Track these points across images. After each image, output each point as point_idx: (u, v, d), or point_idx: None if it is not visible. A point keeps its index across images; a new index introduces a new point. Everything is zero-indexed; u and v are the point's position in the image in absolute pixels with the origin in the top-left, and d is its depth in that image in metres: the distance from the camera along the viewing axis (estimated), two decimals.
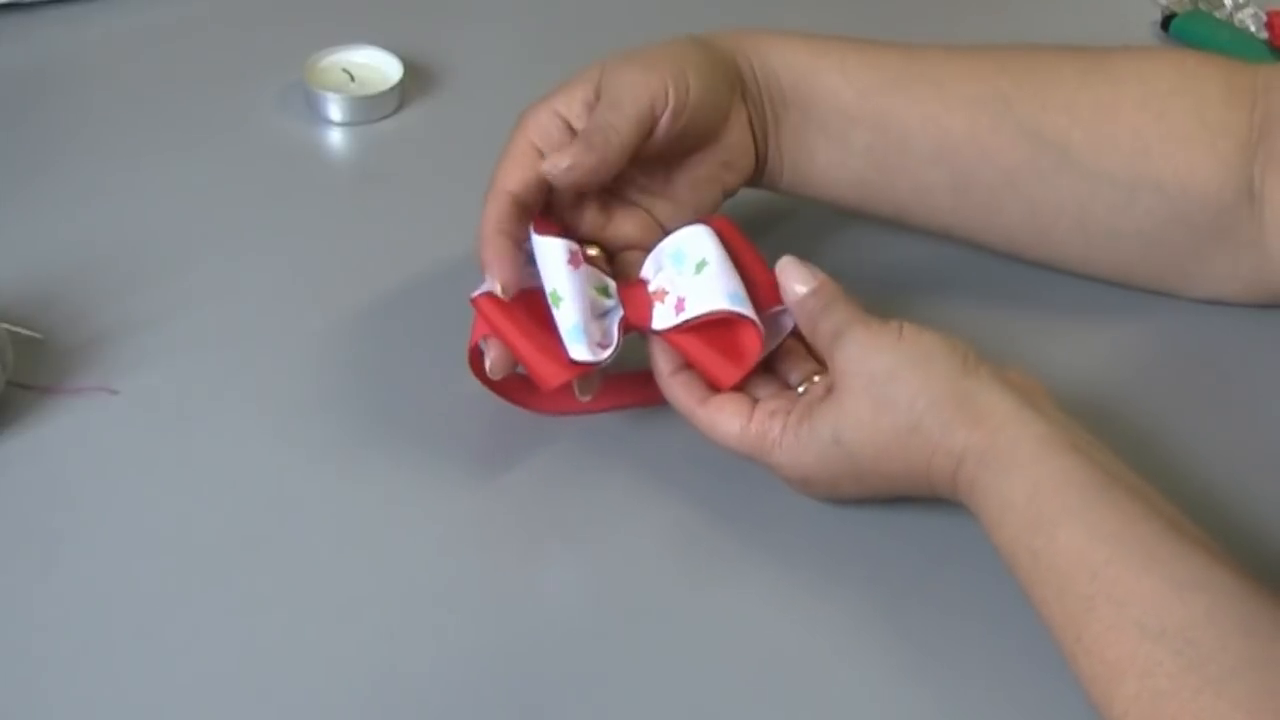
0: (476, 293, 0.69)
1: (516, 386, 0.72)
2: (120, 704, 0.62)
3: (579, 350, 0.67)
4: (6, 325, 0.74)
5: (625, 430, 0.74)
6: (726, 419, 0.68)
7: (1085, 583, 0.58)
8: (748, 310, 0.68)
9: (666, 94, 0.71)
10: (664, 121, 0.71)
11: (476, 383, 0.71)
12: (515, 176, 0.71)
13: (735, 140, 0.75)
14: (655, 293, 0.70)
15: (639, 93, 0.71)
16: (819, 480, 0.67)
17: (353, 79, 0.95)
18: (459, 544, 0.69)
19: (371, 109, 0.93)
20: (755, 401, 0.69)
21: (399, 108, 0.94)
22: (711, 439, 0.69)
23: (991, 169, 0.77)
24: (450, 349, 0.73)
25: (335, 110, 0.92)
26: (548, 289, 0.68)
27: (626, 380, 0.74)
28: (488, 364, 0.69)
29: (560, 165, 0.69)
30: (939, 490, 0.65)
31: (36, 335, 0.75)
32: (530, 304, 0.69)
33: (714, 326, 0.68)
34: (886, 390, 0.65)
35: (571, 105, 0.72)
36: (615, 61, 0.72)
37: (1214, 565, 0.58)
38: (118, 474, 0.71)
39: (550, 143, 0.71)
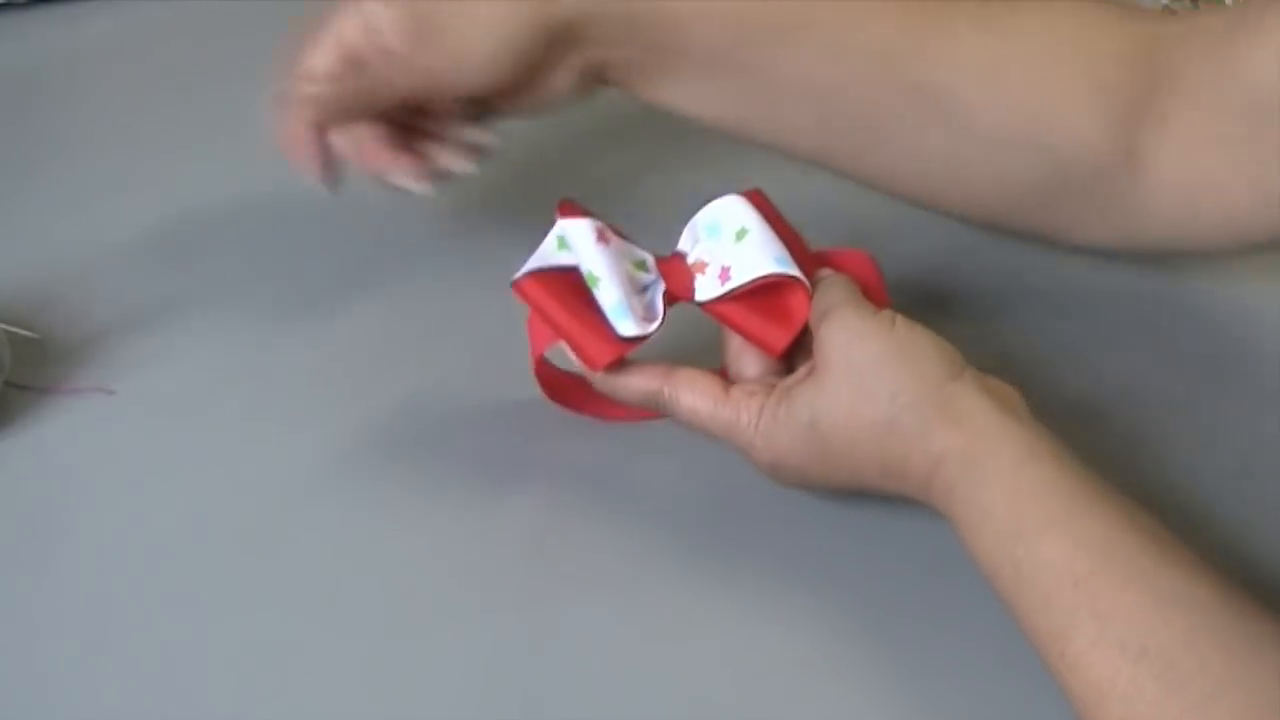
0: (518, 275, 0.68)
1: (579, 395, 0.72)
2: (119, 704, 0.62)
3: (626, 326, 0.67)
4: (4, 325, 0.73)
5: (612, 444, 0.73)
6: (698, 396, 0.67)
7: (1069, 594, 0.57)
8: (795, 271, 0.67)
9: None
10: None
11: (481, 383, 0.71)
12: None
13: (557, 87, 0.75)
14: (695, 265, 0.69)
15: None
16: (788, 464, 0.66)
17: None
18: (458, 547, 0.69)
19: None
20: (729, 384, 0.67)
21: None
22: (678, 416, 0.68)
23: (865, 118, 0.75)
24: (453, 347, 0.73)
25: None
26: (584, 270, 0.68)
27: None
28: None
29: None
30: (910, 490, 0.64)
31: (34, 335, 0.75)
32: (574, 283, 0.68)
33: (758, 294, 0.67)
34: (868, 380, 0.64)
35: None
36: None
37: (1194, 579, 0.57)
38: (115, 474, 0.71)
39: None
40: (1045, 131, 0.73)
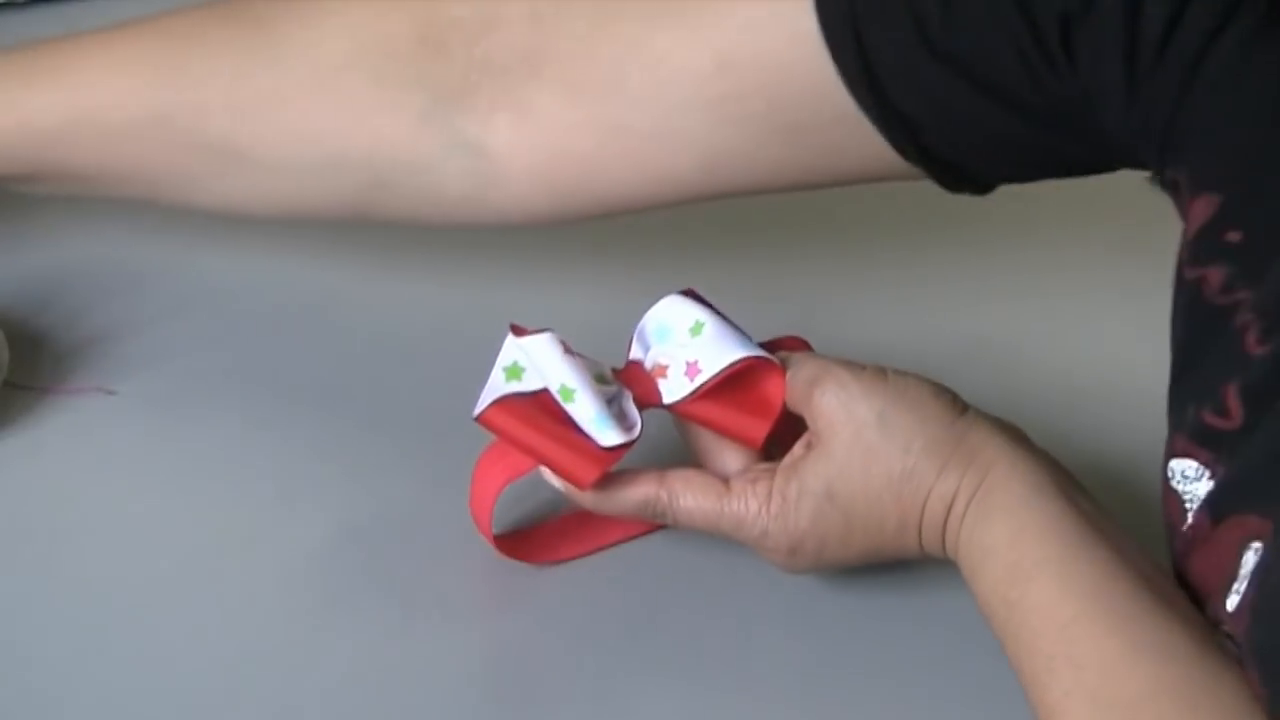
0: (479, 409, 0.64)
1: (524, 546, 0.69)
2: (117, 703, 0.62)
3: (609, 436, 0.64)
4: (3, 326, 0.73)
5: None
6: (699, 495, 0.65)
7: (1051, 640, 0.57)
8: (764, 353, 0.65)
9: None
10: None
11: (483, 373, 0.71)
12: None
13: None
14: (655, 370, 0.66)
15: None
16: (807, 546, 0.64)
17: None
18: (459, 548, 0.69)
19: None
20: (725, 479, 0.65)
21: None
22: (678, 519, 0.65)
23: (175, 182, 0.74)
24: (453, 342, 0.73)
25: None
26: (555, 386, 0.64)
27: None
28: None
29: None
30: (927, 542, 0.63)
31: (33, 336, 0.75)
32: (542, 404, 0.65)
33: (729, 387, 0.65)
34: (877, 436, 0.62)
35: None
36: None
37: (1177, 629, 0.56)
38: (115, 474, 0.71)
39: None
40: (349, 148, 0.71)
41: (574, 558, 0.69)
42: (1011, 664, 0.59)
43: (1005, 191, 0.69)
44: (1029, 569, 0.59)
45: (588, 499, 0.65)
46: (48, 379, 0.74)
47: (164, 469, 0.71)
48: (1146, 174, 0.63)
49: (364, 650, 0.64)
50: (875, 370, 0.64)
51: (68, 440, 0.72)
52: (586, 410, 0.64)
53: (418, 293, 0.82)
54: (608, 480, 0.65)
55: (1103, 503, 0.62)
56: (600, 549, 0.70)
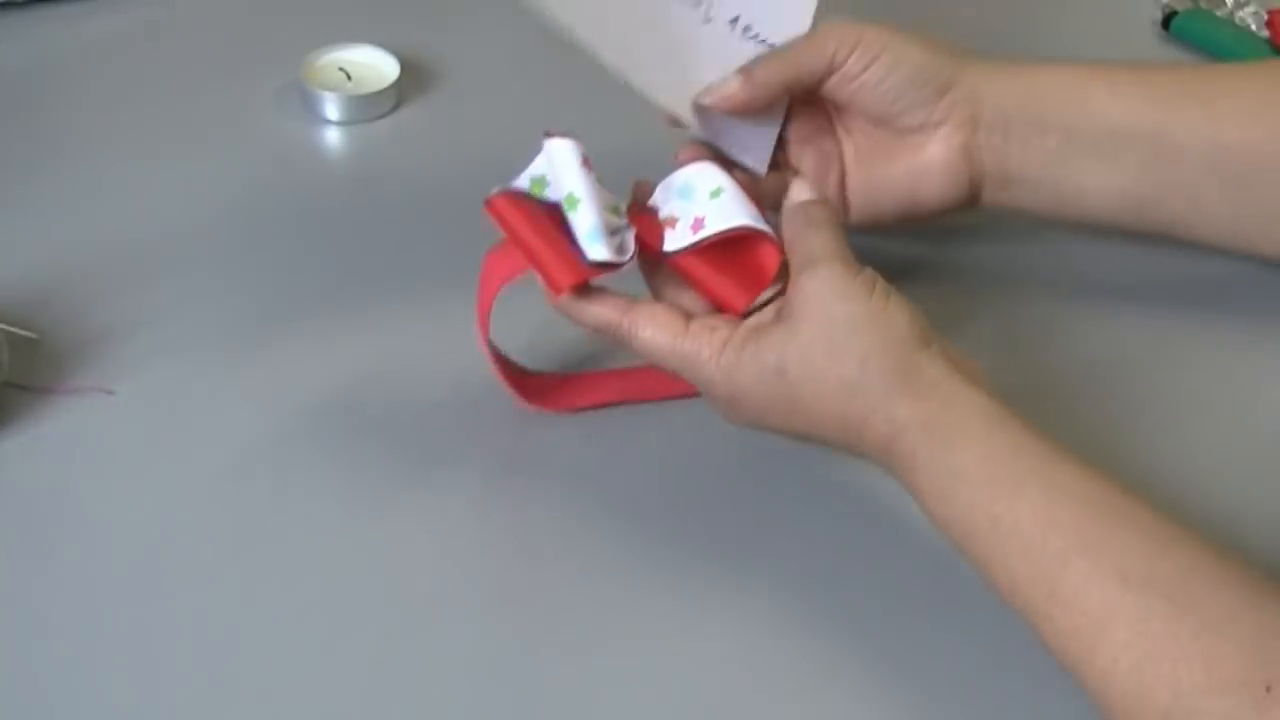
0: (492, 193, 0.67)
1: (523, 380, 0.73)
2: (117, 703, 0.62)
3: (598, 250, 0.66)
4: (3, 325, 0.73)
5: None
6: (657, 329, 0.67)
7: (1055, 539, 0.57)
8: (768, 229, 0.68)
9: (857, 43, 0.73)
10: (848, 63, 0.73)
11: (478, 380, 0.71)
12: None
13: (935, 157, 0.76)
14: (665, 220, 0.69)
15: (820, 38, 0.74)
16: (748, 405, 0.66)
17: (349, 78, 0.94)
18: (457, 545, 0.69)
19: (368, 108, 0.93)
20: (688, 318, 0.67)
21: (395, 107, 0.94)
22: (635, 349, 0.67)
23: (1269, 177, 0.75)
24: (448, 346, 0.73)
25: (332, 109, 0.92)
26: (562, 194, 0.67)
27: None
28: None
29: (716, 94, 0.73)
30: (866, 450, 0.64)
31: (32, 335, 0.75)
32: (548, 212, 0.68)
33: (726, 250, 0.68)
34: (841, 339, 0.64)
35: None
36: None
37: (1182, 526, 0.57)
38: (115, 474, 0.71)
39: None
40: None
41: (568, 409, 0.73)
42: (998, 578, 0.59)
43: None
44: (1012, 483, 0.60)
45: (560, 303, 0.68)
46: (48, 379, 0.74)
47: (163, 468, 0.71)
48: None
49: (362, 653, 0.64)
50: (867, 278, 0.65)
51: (67, 440, 0.72)
52: (585, 220, 0.67)
53: (421, 290, 0.81)
54: (581, 292, 0.67)
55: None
56: (600, 406, 0.73)
